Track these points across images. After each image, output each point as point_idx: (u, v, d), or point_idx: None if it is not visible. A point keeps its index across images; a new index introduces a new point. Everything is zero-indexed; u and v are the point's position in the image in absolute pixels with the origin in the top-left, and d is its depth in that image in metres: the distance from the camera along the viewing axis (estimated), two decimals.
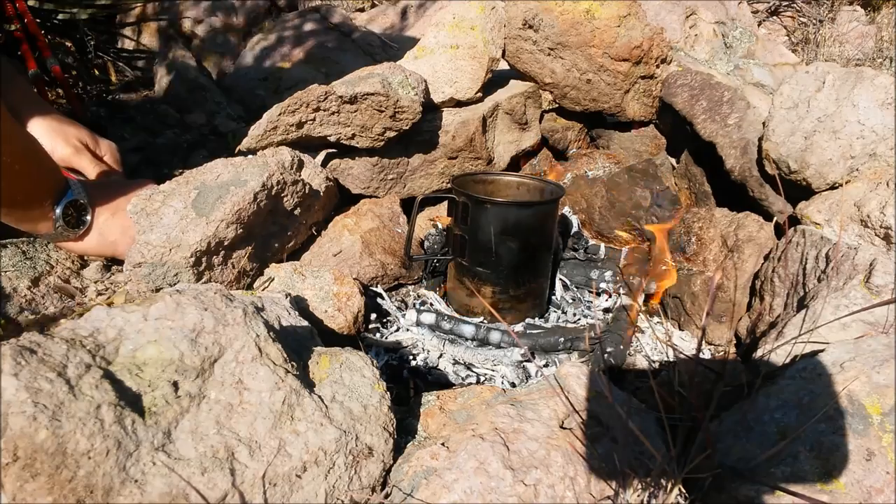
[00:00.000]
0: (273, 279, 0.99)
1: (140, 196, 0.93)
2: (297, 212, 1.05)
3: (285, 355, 0.63)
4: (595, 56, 1.31)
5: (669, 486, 0.55)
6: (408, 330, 1.08)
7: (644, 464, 0.62)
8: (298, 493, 0.57)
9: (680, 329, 1.13)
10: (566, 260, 1.27)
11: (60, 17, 2.38)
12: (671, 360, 1.02)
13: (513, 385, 0.98)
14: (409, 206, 1.12)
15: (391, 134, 1.14)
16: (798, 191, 1.07)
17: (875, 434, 0.58)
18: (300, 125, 1.09)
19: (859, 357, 0.65)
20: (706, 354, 1.07)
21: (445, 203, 1.23)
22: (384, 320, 1.12)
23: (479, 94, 1.31)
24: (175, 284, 0.89)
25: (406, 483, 0.61)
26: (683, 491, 0.62)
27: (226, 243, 0.92)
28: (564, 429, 0.65)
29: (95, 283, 1.02)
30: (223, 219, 0.90)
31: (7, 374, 0.47)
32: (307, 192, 1.06)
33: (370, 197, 1.25)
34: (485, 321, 1.10)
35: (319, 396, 0.63)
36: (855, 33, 3.40)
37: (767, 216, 1.13)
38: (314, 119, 1.09)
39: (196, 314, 0.60)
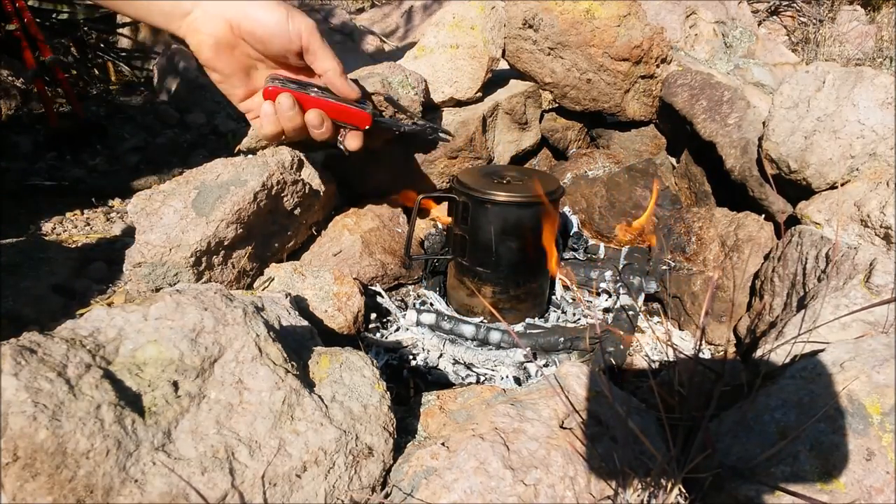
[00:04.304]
0: (273, 279, 0.99)
1: (140, 196, 0.93)
2: (297, 212, 1.05)
3: (285, 355, 0.63)
4: (595, 56, 1.31)
5: (669, 485, 0.55)
6: (408, 330, 1.08)
7: (644, 463, 0.62)
8: (298, 492, 0.57)
9: (680, 329, 1.13)
10: (566, 260, 1.27)
11: (60, 16, 2.38)
12: (671, 359, 1.02)
13: (518, 382, 0.98)
14: (409, 206, 1.12)
15: (391, 133, 1.14)
16: (798, 190, 1.07)
17: (875, 434, 0.58)
18: None
19: (859, 357, 0.65)
20: (706, 354, 1.07)
21: (445, 203, 1.23)
22: (384, 320, 1.12)
23: (479, 94, 1.31)
24: (175, 284, 0.89)
25: (406, 483, 0.61)
26: (683, 491, 0.62)
27: (226, 243, 0.92)
28: (564, 428, 0.65)
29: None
30: (223, 218, 0.90)
31: (7, 374, 0.47)
32: (307, 192, 1.06)
33: None
34: (485, 321, 1.10)
35: (319, 396, 0.63)
36: (855, 33, 3.40)
37: (767, 216, 1.13)
38: None
39: (196, 314, 0.60)
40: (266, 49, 0.78)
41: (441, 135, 1.01)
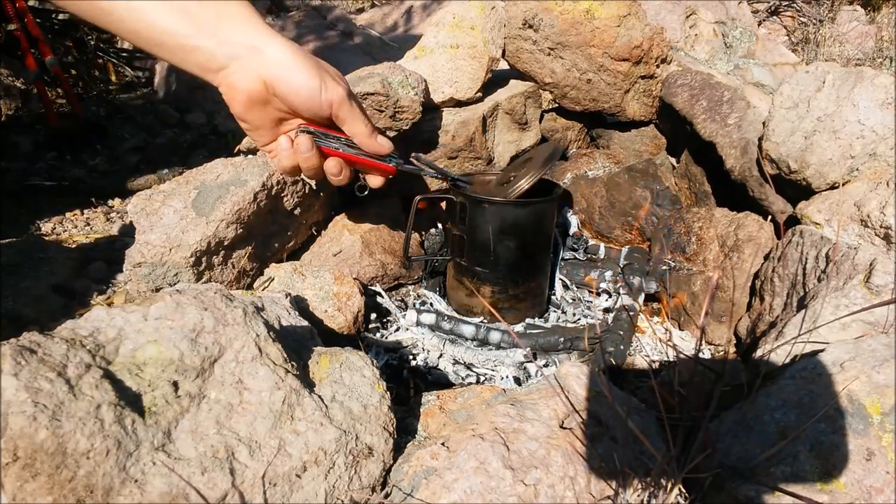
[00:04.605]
0: (273, 279, 0.99)
1: (140, 196, 0.93)
2: (297, 212, 1.05)
3: (285, 355, 0.63)
4: (595, 56, 1.31)
5: (669, 485, 0.55)
6: (408, 330, 1.08)
7: (644, 464, 0.62)
8: (298, 492, 0.57)
9: (680, 329, 1.13)
10: (566, 260, 1.27)
11: (60, 16, 2.39)
12: (671, 360, 1.02)
13: (518, 382, 0.98)
14: (409, 206, 1.12)
15: (391, 134, 1.14)
16: (798, 191, 1.07)
17: (875, 434, 0.58)
18: None
19: (859, 357, 0.65)
20: (706, 354, 1.07)
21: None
22: (384, 320, 1.12)
23: (479, 94, 1.31)
24: (175, 284, 0.89)
25: (406, 483, 0.61)
26: (683, 491, 0.62)
27: (226, 243, 0.93)
28: (564, 429, 0.65)
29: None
30: (223, 219, 0.90)
31: (7, 374, 0.47)
32: (307, 191, 1.06)
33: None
34: (484, 321, 1.10)
35: (319, 396, 0.63)
36: (855, 33, 3.40)
37: (767, 216, 1.13)
38: None
39: (196, 314, 0.60)
40: (296, 111, 0.80)
41: (459, 183, 1.03)
